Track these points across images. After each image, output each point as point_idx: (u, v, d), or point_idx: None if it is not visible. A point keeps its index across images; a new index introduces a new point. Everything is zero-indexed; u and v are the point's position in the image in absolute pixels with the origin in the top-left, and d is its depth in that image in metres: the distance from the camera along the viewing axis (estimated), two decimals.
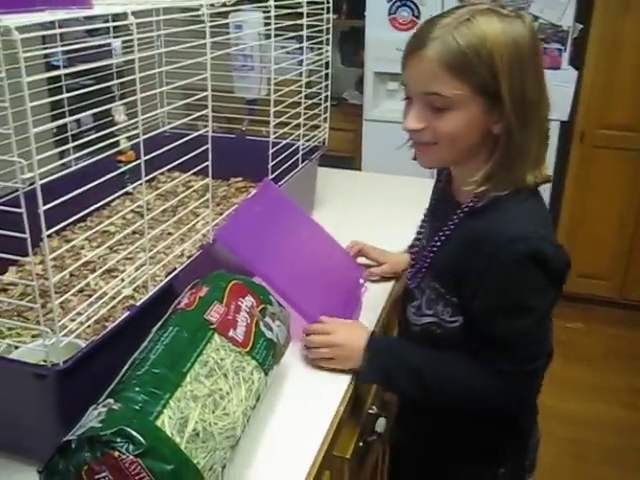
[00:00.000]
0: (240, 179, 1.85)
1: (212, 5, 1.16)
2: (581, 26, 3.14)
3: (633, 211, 3.26)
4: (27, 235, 0.77)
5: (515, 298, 1.05)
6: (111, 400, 0.78)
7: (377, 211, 1.93)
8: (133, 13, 0.88)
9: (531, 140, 1.05)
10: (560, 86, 2.98)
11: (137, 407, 0.77)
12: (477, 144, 1.07)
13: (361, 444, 1.26)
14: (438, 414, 1.23)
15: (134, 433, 0.73)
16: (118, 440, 0.72)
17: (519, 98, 1.02)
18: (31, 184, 0.76)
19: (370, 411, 1.33)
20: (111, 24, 1.26)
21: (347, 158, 3.55)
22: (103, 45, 1.78)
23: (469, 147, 1.08)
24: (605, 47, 3.14)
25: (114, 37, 2.02)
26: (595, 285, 3.28)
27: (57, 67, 1.76)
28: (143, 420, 0.75)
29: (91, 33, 1.73)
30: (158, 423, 0.76)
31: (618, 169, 3.29)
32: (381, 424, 1.32)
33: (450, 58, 0.99)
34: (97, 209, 1.68)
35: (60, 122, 0.97)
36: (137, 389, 0.79)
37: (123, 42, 1.55)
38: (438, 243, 1.16)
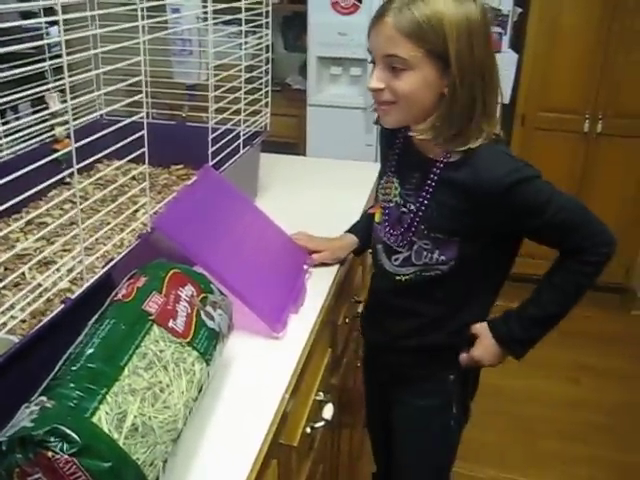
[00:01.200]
0: (181, 166, 1.81)
1: None
2: (520, 10, 3.17)
3: (574, 190, 3.32)
4: None
5: (544, 198, 1.23)
6: (44, 397, 0.75)
7: (321, 196, 1.91)
8: None
9: (476, 96, 1.19)
10: (501, 68, 3.00)
11: (72, 404, 0.74)
12: (432, 104, 1.21)
13: (308, 430, 1.25)
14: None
15: (68, 431, 0.70)
16: (51, 439, 0.69)
17: (466, 61, 1.16)
18: None
19: (317, 397, 1.32)
20: (41, 3, 1.21)
21: (291, 144, 3.52)
22: (38, 29, 1.72)
23: (425, 107, 1.22)
24: (544, 30, 3.18)
25: (46, 18, 1.96)
26: (538, 265, 3.31)
27: None
28: (78, 417, 0.73)
29: (26, 17, 1.66)
30: (94, 420, 0.74)
31: (558, 150, 3.35)
32: (329, 410, 1.31)
33: (406, 25, 1.15)
34: (33, 200, 1.64)
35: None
36: (72, 385, 0.76)
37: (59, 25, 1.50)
38: (424, 200, 1.29)
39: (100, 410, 0.75)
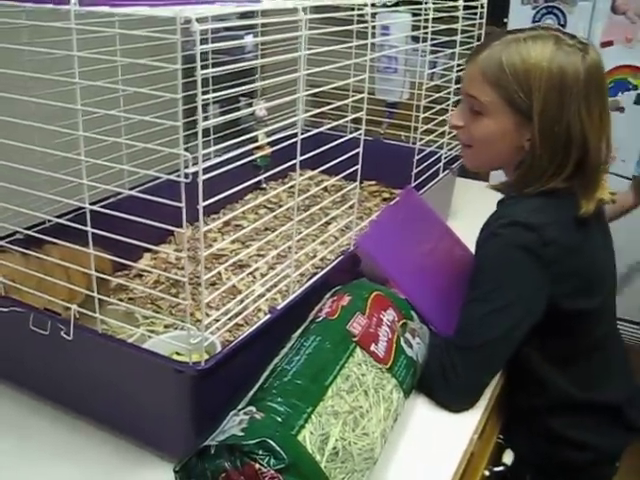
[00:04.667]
0: (374, 182, 1.81)
1: (374, 5, 1.12)
2: None
3: None
4: (184, 229, 0.76)
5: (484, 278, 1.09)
6: (253, 408, 0.76)
7: None
8: (304, 9, 0.85)
9: (562, 163, 1.07)
10: None
11: (280, 419, 0.74)
12: (509, 155, 1.12)
13: (487, 474, 1.20)
14: None
15: (277, 447, 0.70)
16: (260, 452, 0.70)
17: (551, 121, 1.05)
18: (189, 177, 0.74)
19: (498, 440, 1.26)
20: (278, 19, 1.25)
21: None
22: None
23: (500, 156, 1.14)
24: None
25: (253, 34, 2.03)
26: None
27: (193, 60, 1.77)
28: (285, 434, 0.72)
29: (229, 29, 1.73)
30: (300, 438, 0.73)
31: None
32: (509, 455, 1.25)
33: (489, 69, 1.07)
34: (230, 202, 1.70)
35: (230, 116, 0.92)
36: (279, 399, 0.77)
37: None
38: None
39: (305, 429, 0.74)
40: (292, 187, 1.35)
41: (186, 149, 0.73)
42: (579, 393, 1.18)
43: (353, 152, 1.09)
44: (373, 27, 1.36)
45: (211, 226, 1.12)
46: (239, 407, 0.78)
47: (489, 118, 1.09)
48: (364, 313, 0.95)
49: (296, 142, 0.93)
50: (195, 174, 0.73)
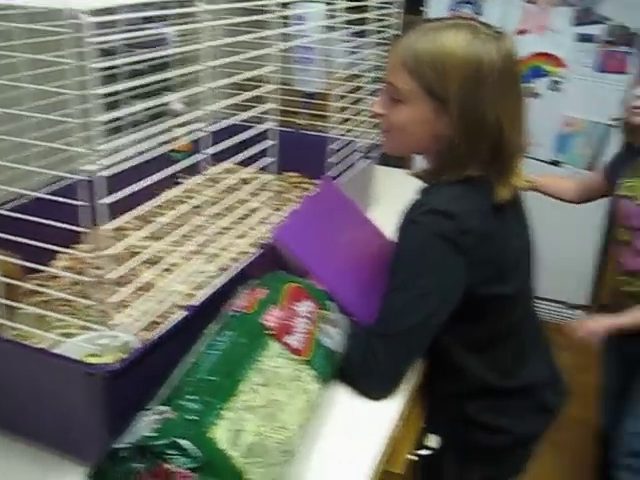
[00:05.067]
0: (295, 174, 1.81)
1: None
2: None
3: None
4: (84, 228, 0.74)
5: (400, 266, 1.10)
6: (165, 407, 0.74)
7: None
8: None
9: (481, 148, 1.08)
10: (625, 90, 2.86)
11: (192, 417, 0.73)
12: (428, 142, 1.12)
13: (413, 458, 1.21)
14: None
15: (189, 445, 0.69)
16: (171, 452, 0.68)
17: (466, 112, 1.05)
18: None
19: (423, 426, 1.28)
20: (175, 11, 1.23)
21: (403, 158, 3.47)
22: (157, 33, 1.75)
23: (419, 142, 1.13)
24: None
25: (170, 25, 1.99)
26: None
27: (112, 53, 1.73)
28: (198, 432, 0.71)
29: (147, 20, 1.69)
30: (213, 435, 0.72)
31: None
32: (433, 439, 1.27)
33: (408, 58, 1.07)
34: (148, 199, 1.66)
35: (127, 111, 0.91)
36: (192, 397, 0.75)
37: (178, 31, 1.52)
38: None
39: (219, 426, 0.73)
40: (210, 180, 1.34)
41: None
42: (495, 378, 1.20)
43: (268, 144, 1.07)
44: (286, 17, 1.36)
45: (116, 224, 1.09)
46: (151, 407, 0.76)
47: (407, 106, 1.09)
48: (279, 305, 0.94)
49: (214, 135, 0.91)
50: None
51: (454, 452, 1.29)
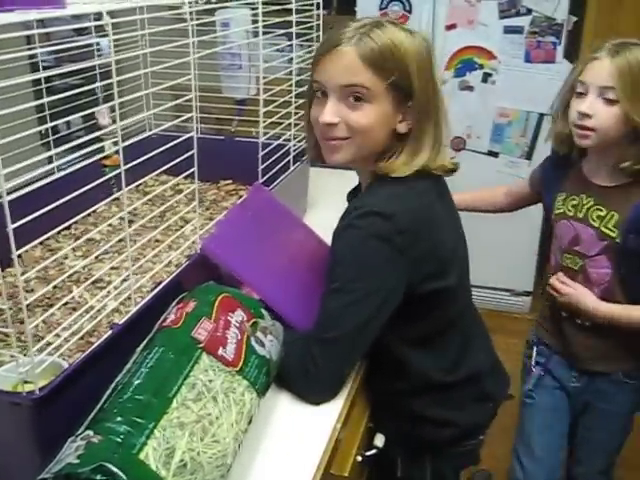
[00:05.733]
0: (230, 182, 1.79)
1: (196, 2, 1.10)
2: (575, 18, 3.08)
3: None
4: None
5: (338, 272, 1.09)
6: (90, 432, 0.72)
7: None
8: (109, 13, 0.82)
9: (430, 132, 1.12)
10: (554, 79, 2.92)
11: (119, 439, 0.71)
12: (383, 141, 1.12)
13: (359, 459, 1.21)
14: None
15: (115, 469, 0.67)
16: (98, 478, 0.67)
17: (427, 95, 1.10)
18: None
19: (370, 425, 1.28)
20: (93, 24, 1.20)
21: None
22: (89, 45, 1.72)
23: (377, 144, 1.12)
24: (599, 40, 3.08)
25: (100, 37, 1.96)
26: None
27: (46, 68, 1.69)
28: (125, 454, 0.70)
29: (80, 33, 1.66)
30: (142, 456, 0.71)
31: None
32: (380, 438, 1.27)
33: (368, 54, 1.06)
34: (82, 216, 1.63)
35: (46, 126, 0.89)
36: (119, 419, 0.74)
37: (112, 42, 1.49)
38: None
39: (148, 446, 0.72)
40: (147, 194, 1.31)
41: None
42: (439, 372, 1.21)
43: (187, 155, 1.06)
44: (205, 24, 1.35)
45: (32, 244, 1.07)
46: (77, 433, 0.74)
47: (371, 103, 1.08)
48: (210, 317, 0.93)
49: (142, 146, 0.90)
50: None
51: (403, 449, 1.29)
